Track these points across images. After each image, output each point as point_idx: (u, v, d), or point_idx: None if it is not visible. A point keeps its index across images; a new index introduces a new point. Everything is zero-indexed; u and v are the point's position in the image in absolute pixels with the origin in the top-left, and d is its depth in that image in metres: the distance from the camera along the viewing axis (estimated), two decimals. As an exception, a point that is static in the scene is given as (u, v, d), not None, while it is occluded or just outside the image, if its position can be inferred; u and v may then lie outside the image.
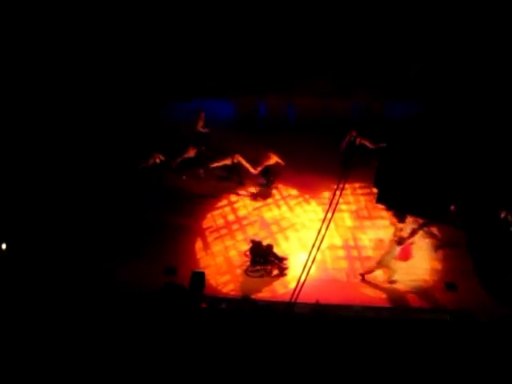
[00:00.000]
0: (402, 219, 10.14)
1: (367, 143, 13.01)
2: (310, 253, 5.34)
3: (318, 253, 10.92)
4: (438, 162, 11.05)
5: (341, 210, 12.11)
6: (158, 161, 12.57)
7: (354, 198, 12.91)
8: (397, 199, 11.33)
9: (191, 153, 12.79)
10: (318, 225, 11.82)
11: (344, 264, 10.98)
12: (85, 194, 12.43)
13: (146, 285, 9.90)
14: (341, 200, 12.20)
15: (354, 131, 13.25)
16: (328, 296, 9.68)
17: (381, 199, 10.89)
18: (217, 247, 11.47)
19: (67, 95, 14.16)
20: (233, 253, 11.31)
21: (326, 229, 5.70)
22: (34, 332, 8.34)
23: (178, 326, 8.34)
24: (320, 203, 12.74)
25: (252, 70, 15.23)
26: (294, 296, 5.35)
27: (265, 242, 10.93)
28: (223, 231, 11.95)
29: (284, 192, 13.19)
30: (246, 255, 10.91)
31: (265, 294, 10.18)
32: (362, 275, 10.46)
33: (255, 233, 11.83)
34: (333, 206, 5.65)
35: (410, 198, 11.25)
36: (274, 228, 12.03)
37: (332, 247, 11.33)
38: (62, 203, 12.05)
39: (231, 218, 12.36)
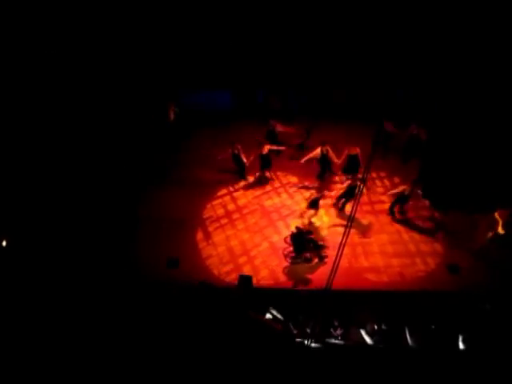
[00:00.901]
0: None
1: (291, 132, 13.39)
2: (341, 243, 5.42)
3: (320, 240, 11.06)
4: (484, 159, 10.98)
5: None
6: (236, 151, 12.54)
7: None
8: (443, 195, 11.53)
9: (265, 150, 12.48)
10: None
11: (346, 250, 10.93)
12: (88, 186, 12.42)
13: (148, 275, 10.01)
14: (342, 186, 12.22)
15: (273, 120, 13.31)
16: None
17: (426, 195, 10.94)
18: (218, 237, 11.46)
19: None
20: (234, 242, 11.31)
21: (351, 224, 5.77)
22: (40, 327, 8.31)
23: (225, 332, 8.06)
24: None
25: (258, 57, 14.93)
26: (329, 283, 5.48)
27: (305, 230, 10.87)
28: (224, 221, 11.92)
29: (283, 179, 13.15)
30: (285, 242, 10.95)
31: (268, 282, 10.23)
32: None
33: (256, 221, 11.83)
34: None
35: (456, 194, 11.41)
36: (275, 216, 12.01)
37: (334, 233, 11.33)
38: (66, 196, 12.01)
39: (231, 207, 12.32)
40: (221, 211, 12.20)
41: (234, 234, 11.56)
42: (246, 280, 9.29)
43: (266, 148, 12.48)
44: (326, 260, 10.52)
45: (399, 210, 11.77)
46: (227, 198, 12.61)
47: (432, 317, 8.79)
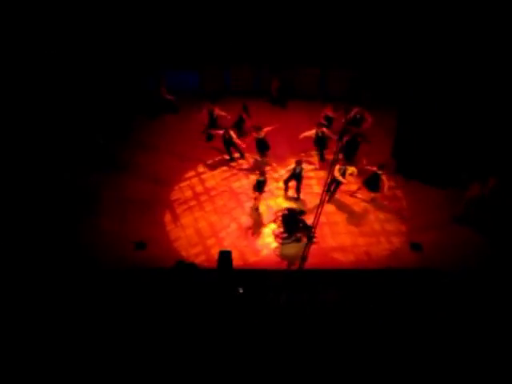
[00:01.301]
0: None
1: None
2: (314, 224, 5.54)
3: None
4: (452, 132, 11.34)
5: (308, 178, 12.24)
6: (227, 136, 12.59)
7: (321, 164, 13.05)
8: (414, 169, 12.04)
9: (262, 133, 12.49)
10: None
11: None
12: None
13: (116, 259, 9.86)
14: (309, 167, 12.42)
15: (210, 104, 13.36)
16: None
17: (399, 169, 11.28)
18: (186, 219, 11.37)
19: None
20: (202, 224, 11.25)
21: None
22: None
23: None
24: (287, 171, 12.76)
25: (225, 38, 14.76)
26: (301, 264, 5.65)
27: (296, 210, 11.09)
28: (192, 203, 11.83)
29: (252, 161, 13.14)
30: (275, 222, 11.08)
31: (237, 263, 10.25)
32: None
33: (224, 203, 11.80)
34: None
35: (426, 167, 11.86)
36: (243, 197, 12.01)
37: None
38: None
39: (199, 189, 12.23)
40: (189, 193, 12.08)
41: (202, 215, 11.49)
42: (226, 255, 9.25)
43: (264, 131, 12.47)
44: (314, 240, 10.55)
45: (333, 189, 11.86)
46: (195, 179, 12.50)
47: (395, 293, 9.11)
